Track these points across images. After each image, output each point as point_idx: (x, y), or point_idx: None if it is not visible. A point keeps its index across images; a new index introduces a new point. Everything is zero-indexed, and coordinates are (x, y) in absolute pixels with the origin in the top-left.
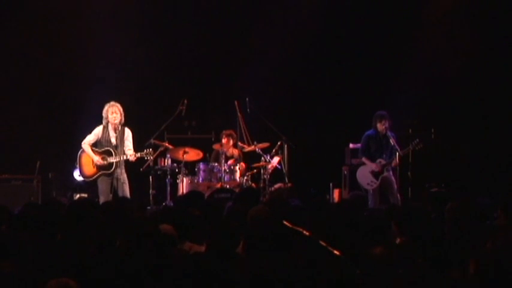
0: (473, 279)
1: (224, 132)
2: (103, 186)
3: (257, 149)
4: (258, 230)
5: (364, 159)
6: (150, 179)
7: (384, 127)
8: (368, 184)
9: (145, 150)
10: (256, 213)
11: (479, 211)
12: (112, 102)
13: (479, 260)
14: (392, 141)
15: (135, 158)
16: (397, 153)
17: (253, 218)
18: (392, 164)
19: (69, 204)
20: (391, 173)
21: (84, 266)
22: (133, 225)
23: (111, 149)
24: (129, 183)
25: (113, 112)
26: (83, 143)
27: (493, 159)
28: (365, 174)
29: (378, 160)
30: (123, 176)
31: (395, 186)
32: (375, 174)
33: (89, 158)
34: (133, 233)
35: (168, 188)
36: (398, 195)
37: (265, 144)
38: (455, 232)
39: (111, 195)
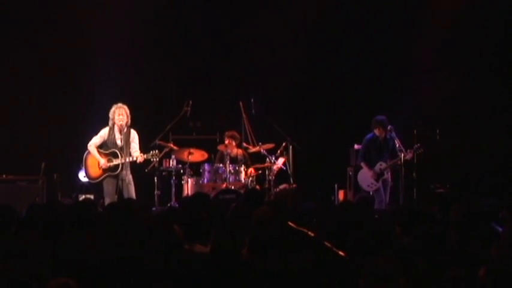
0: (484, 283)
1: (226, 133)
2: (108, 187)
3: (262, 150)
4: (263, 231)
5: (362, 164)
6: (155, 180)
7: (381, 132)
8: (368, 186)
9: (151, 152)
10: (262, 214)
11: (484, 212)
12: (119, 104)
13: (489, 265)
14: (397, 142)
15: (143, 159)
16: (402, 154)
17: (259, 219)
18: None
19: (72, 205)
20: (389, 175)
21: (87, 266)
22: (140, 225)
23: (116, 151)
24: (134, 184)
25: (120, 114)
26: (88, 145)
27: (498, 160)
28: (366, 176)
29: (379, 163)
30: (129, 177)
31: (388, 190)
32: (376, 177)
33: (95, 160)
34: (140, 234)
35: (173, 189)
36: (387, 199)
37: (270, 145)
38: (460, 233)
39: (116, 196)
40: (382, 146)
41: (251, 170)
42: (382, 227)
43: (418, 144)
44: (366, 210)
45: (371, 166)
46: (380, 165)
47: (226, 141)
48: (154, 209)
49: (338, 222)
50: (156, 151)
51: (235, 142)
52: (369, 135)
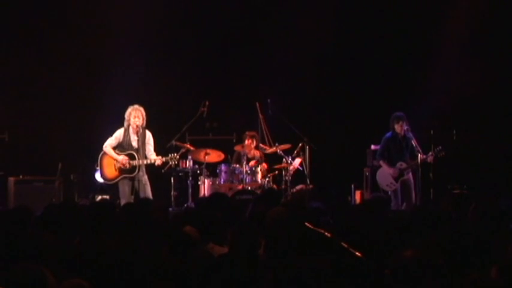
0: (495, 283)
1: (248, 133)
2: (124, 188)
3: (278, 151)
4: (276, 231)
5: (381, 163)
6: (172, 181)
7: (402, 128)
8: (387, 185)
9: (169, 155)
10: (275, 215)
11: (502, 212)
12: (136, 106)
13: (501, 264)
14: (414, 143)
15: (161, 162)
16: (419, 155)
17: (272, 219)
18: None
19: (89, 205)
20: (410, 175)
21: (102, 267)
22: (156, 226)
23: (133, 153)
24: (150, 184)
25: (136, 116)
26: (104, 146)
27: None
28: (385, 175)
29: (399, 163)
30: (145, 178)
31: (413, 190)
32: (396, 176)
33: (111, 161)
34: (156, 235)
35: (190, 190)
36: (414, 199)
37: (286, 146)
38: (477, 234)
39: (132, 197)
40: (402, 145)
41: (264, 164)
42: (398, 226)
43: (440, 147)
44: (382, 210)
45: (391, 165)
46: (400, 165)
47: (247, 141)
48: (171, 209)
49: (354, 223)
50: (175, 154)
51: (255, 142)
52: (388, 134)
